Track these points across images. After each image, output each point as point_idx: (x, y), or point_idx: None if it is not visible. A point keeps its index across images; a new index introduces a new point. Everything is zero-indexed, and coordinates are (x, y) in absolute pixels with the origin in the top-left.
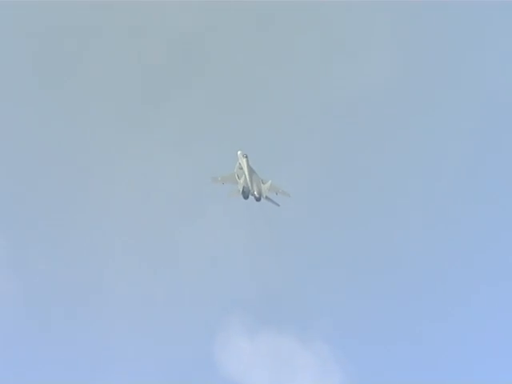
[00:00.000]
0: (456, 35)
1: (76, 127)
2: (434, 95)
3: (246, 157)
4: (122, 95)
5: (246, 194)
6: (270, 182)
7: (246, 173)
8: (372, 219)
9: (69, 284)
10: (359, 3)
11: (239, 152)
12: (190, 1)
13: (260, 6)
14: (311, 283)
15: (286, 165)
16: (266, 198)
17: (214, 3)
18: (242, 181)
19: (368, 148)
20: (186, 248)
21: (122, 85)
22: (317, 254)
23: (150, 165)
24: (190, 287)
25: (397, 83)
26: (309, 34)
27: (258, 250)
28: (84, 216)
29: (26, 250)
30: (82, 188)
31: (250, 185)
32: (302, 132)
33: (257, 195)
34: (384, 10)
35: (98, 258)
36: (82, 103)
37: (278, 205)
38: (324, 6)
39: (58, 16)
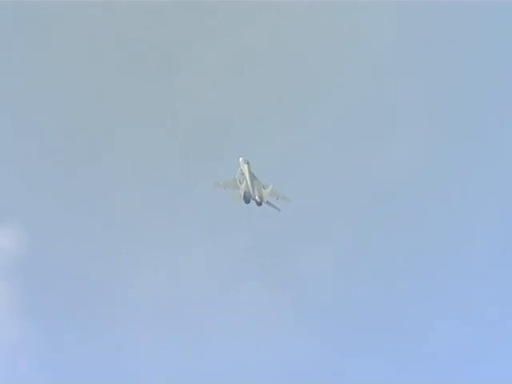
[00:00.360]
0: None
1: (105, 207)
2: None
3: (248, 163)
4: (152, 174)
5: (247, 199)
6: (270, 186)
7: (248, 178)
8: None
9: (94, 370)
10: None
11: (241, 158)
12: (216, 79)
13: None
14: (348, 364)
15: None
16: (267, 202)
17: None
18: (243, 186)
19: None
20: (215, 334)
21: (152, 164)
22: (351, 332)
23: (179, 247)
24: (219, 376)
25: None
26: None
27: (290, 331)
28: (111, 298)
29: (56, 335)
30: (109, 269)
31: (251, 190)
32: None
33: (258, 200)
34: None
35: (123, 343)
36: (111, 182)
37: (279, 209)
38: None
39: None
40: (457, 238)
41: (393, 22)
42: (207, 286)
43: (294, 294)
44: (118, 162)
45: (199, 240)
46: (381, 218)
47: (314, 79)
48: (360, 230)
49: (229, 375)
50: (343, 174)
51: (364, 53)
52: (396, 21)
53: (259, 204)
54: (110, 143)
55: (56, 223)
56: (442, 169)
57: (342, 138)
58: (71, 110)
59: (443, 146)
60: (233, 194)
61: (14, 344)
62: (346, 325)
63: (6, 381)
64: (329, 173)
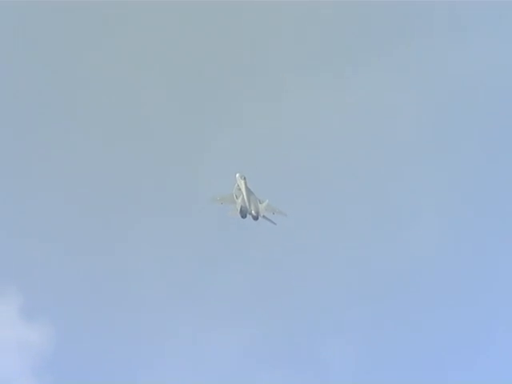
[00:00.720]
0: None
1: (130, 303)
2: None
3: (245, 178)
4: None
5: (243, 213)
6: (266, 201)
7: (244, 193)
8: None
9: None
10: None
11: (237, 174)
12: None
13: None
14: None
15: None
16: (264, 216)
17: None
18: (239, 200)
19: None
20: None
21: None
22: None
23: (197, 333)
24: None
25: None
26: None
27: None
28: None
29: None
30: (135, 365)
31: (247, 204)
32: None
33: (254, 214)
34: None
35: None
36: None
37: (275, 223)
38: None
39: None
40: (473, 328)
41: (407, 107)
42: (226, 374)
43: (314, 380)
44: (139, 253)
45: (217, 326)
46: (395, 307)
47: (325, 170)
48: (377, 317)
49: None
50: (357, 263)
51: (376, 142)
52: (411, 107)
53: (255, 218)
54: (134, 231)
55: (84, 320)
56: (456, 258)
57: (356, 227)
58: (89, 207)
59: (458, 235)
60: (230, 209)
61: None
62: None
63: None
64: (342, 262)
